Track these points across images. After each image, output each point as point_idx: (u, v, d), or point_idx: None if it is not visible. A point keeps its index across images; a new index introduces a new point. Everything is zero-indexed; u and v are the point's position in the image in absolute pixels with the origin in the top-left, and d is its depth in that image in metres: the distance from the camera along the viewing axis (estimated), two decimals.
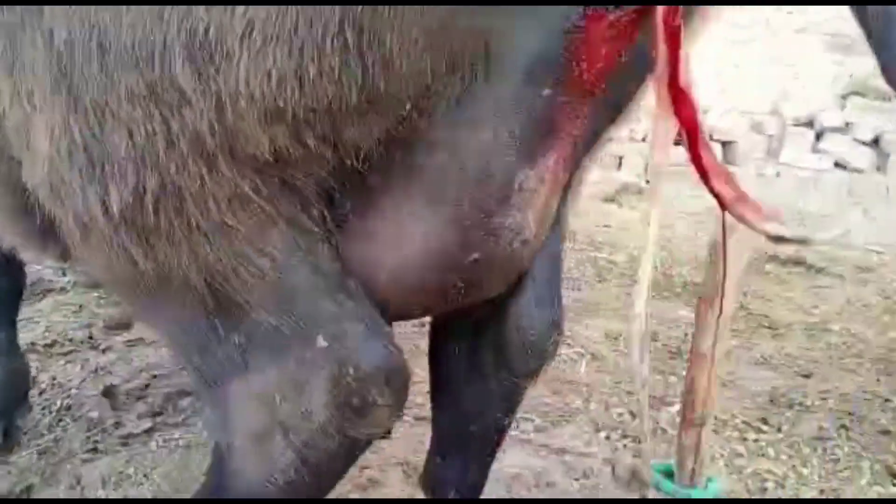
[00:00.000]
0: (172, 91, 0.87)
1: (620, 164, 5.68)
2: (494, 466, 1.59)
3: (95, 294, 3.20)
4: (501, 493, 2.05)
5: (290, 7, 0.84)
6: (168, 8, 0.84)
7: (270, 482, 1.11)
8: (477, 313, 1.37)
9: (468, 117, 1.00)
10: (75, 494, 1.98)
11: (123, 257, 1.01)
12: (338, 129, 0.94)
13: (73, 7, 0.87)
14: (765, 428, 2.46)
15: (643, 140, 5.67)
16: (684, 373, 1.74)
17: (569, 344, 2.95)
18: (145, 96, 0.87)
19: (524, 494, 2.06)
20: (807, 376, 2.83)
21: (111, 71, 0.87)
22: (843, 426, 2.50)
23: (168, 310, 1.10)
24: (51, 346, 2.78)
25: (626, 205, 5.25)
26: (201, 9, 0.83)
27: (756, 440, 2.39)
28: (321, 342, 1.07)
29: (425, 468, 1.66)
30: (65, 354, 2.74)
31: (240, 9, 0.83)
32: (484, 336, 1.43)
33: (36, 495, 1.98)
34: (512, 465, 2.15)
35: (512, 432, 2.29)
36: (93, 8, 0.86)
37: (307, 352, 1.07)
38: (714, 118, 5.90)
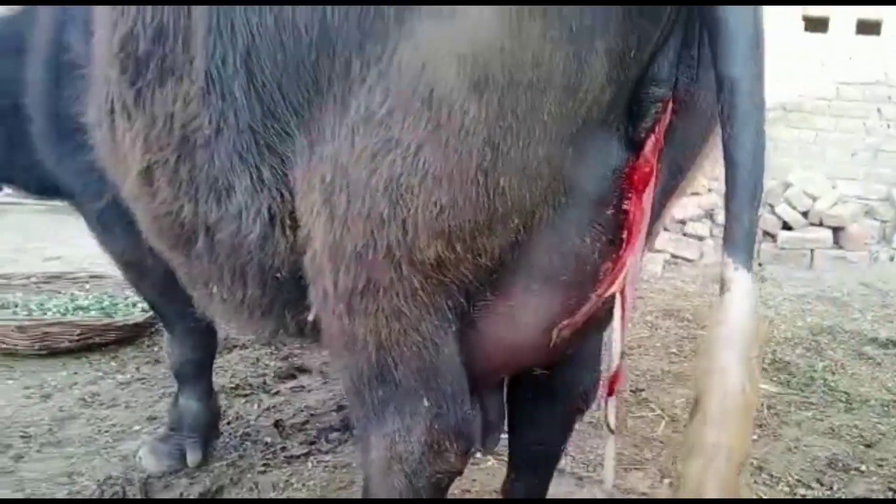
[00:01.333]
0: (376, 217, 1.42)
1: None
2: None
3: (268, 350, 4.02)
4: None
5: (445, 160, 1.34)
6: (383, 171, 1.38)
7: (388, 485, 1.68)
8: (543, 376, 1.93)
9: (560, 228, 1.50)
10: (254, 495, 2.70)
11: (337, 326, 1.60)
12: (475, 240, 1.45)
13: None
14: (815, 485, 2.82)
15: None
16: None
17: (651, 407, 3.42)
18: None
19: None
20: (869, 446, 3.13)
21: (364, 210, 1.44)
22: (892, 489, 2.81)
23: (349, 362, 1.67)
24: (235, 388, 3.59)
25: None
26: (399, 160, 1.35)
27: (804, 495, 2.76)
28: (425, 402, 1.62)
29: (504, 484, 2.25)
30: (245, 396, 3.53)
31: (421, 160, 1.35)
32: (547, 387, 1.99)
33: (226, 495, 2.71)
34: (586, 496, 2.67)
35: (590, 473, 2.82)
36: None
37: (418, 407, 1.62)
38: (826, 204, 6.12)
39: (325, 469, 2.87)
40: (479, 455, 2.84)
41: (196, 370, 2.98)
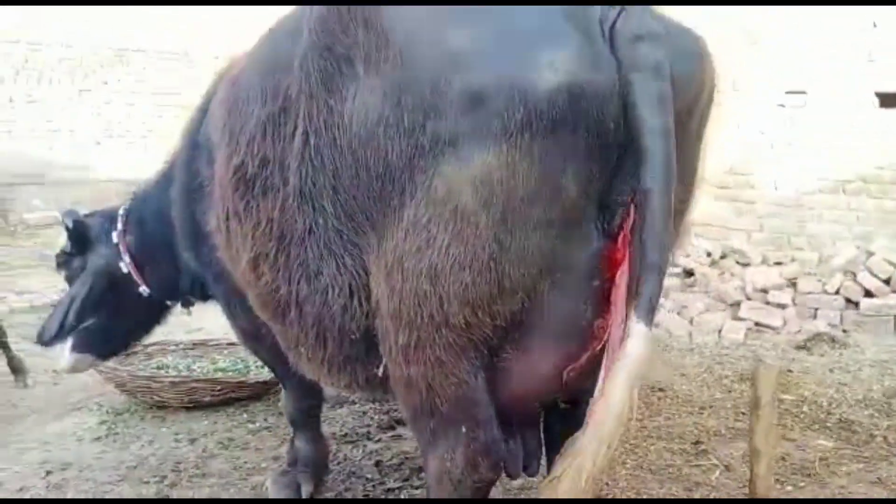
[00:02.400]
0: (421, 293, 2.04)
1: (816, 314, 6.23)
2: None
3: (373, 406, 4.65)
4: None
5: (465, 253, 1.94)
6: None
7: (445, 490, 2.25)
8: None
9: (561, 296, 2.06)
10: None
11: (399, 372, 2.22)
12: (491, 308, 2.03)
13: None
14: None
15: (836, 293, 6.20)
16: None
17: (709, 458, 3.79)
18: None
19: None
20: None
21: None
22: None
23: (408, 400, 2.27)
24: (344, 436, 4.23)
25: (815, 352, 5.77)
26: (436, 254, 1.97)
27: None
28: (463, 429, 2.20)
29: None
30: (352, 442, 4.16)
31: (450, 253, 1.96)
32: (575, 418, 2.45)
33: None
34: None
35: None
36: None
37: (458, 433, 2.20)
38: None
39: (415, 498, 3.43)
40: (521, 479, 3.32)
41: (305, 419, 3.66)
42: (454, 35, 1.96)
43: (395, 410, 4.57)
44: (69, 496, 3.59)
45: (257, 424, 4.43)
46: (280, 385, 3.87)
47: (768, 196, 7.07)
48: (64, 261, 3.99)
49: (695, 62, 2.08)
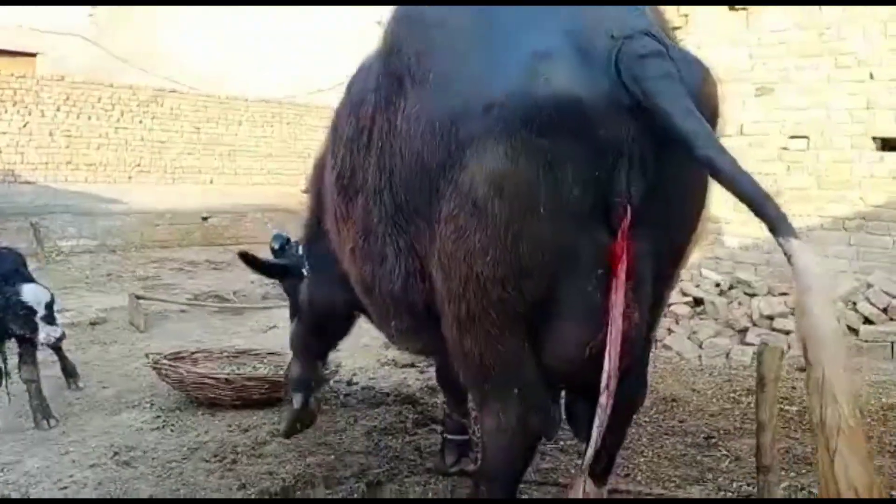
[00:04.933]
0: (462, 275, 2.46)
1: None
2: None
3: (407, 406, 5.04)
4: None
5: (488, 238, 2.33)
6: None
7: (498, 445, 2.64)
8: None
9: (575, 280, 2.42)
10: (402, 491, 3.64)
11: (456, 343, 2.62)
12: (518, 285, 2.39)
13: None
14: None
15: (837, 321, 6.58)
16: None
17: (719, 449, 4.16)
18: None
19: None
20: None
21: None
22: None
23: (466, 367, 2.66)
24: (384, 429, 4.60)
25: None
26: (466, 239, 2.37)
27: None
28: (515, 391, 2.58)
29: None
30: (391, 435, 4.52)
31: (476, 238, 2.35)
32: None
33: (383, 489, 3.67)
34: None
35: (656, 489, 3.60)
36: None
37: (510, 395, 2.58)
38: None
39: (453, 478, 3.79)
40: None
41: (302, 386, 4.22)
42: (474, 58, 2.41)
43: (429, 409, 4.97)
44: (139, 472, 3.97)
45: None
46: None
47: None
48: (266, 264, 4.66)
49: (699, 73, 2.37)
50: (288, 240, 4.73)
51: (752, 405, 5.24)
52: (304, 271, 4.25)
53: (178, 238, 12.76)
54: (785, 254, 1.90)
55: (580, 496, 3.02)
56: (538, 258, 2.36)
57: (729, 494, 3.56)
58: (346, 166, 2.96)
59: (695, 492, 3.58)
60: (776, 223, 1.98)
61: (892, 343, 6.32)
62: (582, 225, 2.33)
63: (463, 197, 2.37)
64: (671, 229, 2.50)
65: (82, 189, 12.65)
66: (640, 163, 2.26)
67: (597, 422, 2.48)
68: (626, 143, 2.23)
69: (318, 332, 4.09)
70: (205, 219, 13.09)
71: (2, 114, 11.96)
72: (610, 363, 2.39)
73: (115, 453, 4.25)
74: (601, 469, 2.99)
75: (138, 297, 8.48)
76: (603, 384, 2.41)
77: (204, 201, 12.96)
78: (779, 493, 3.23)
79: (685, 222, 2.57)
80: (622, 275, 2.33)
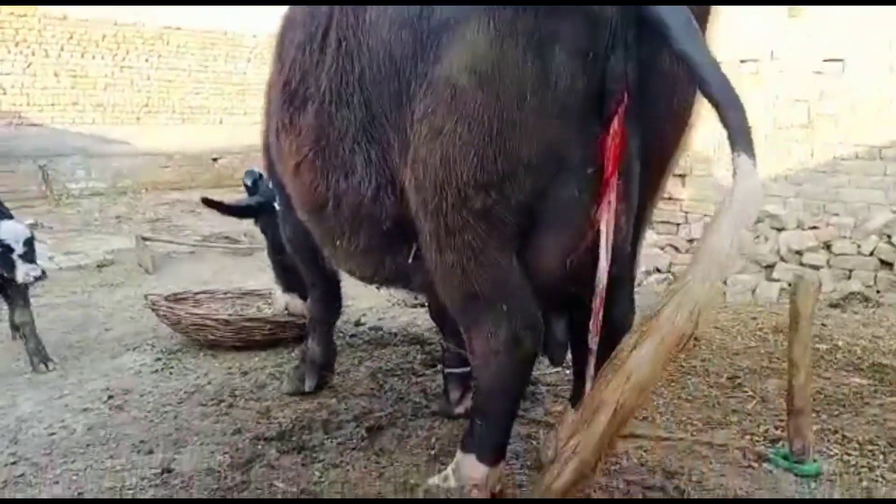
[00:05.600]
0: (439, 182, 2.22)
1: (850, 275, 6.28)
2: None
3: (414, 346, 4.82)
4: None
5: (470, 134, 2.10)
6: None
7: (491, 371, 2.43)
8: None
9: (561, 183, 2.21)
10: (405, 435, 3.43)
11: (436, 261, 2.39)
12: (503, 189, 2.17)
13: None
14: (881, 443, 3.20)
15: (871, 254, 6.24)
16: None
17: (744, 390, 3.90)
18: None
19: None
20: None
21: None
22: None
23: (448, 286, 2.44)
24: (390, 370, 4.39)
25: (849, 310, 5.84)
26: (444, 140, 2.15)
27: (871, 451, 3.15)
28: (504, 308, 2.37)
29: (572, 396, 2.87)
30: (398, 376, 4.31)
31: (456, 137, 2.12)
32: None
33: (384, 434, 3.45)
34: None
35: (678, 432, 3.36)
36: None
37: (499, 312, 2.36)
38: None
39: (460, 422, 3.57)
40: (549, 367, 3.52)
41: (321, 326, 4.07)
42: None
43: (437, 350, 4.74)
44: (132, 416, 3.79)
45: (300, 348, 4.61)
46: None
47: (804, 163, 7.11)
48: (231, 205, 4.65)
49: None
50: (261, 175, 4.56)
51: (780, 344, 4.99)
52: (278, 206, 4.05)
53: (188, 179, 12.54)
54: (733, 168, 1.85)
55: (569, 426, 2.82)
56: (527, 156, 2.14)
57: (755, 438, 3.31)
58: (296, 71, 2.68)
59: (719, 436, 3.33)
60: (736, 135, 1.87)
61: None
62: (574, 115, 2.12)
63: (439, 90, 2.14)
64: (660, 129, 2.30)
65: (90, 131, 12.41)
66: (634, 46, 2.08)
67: (592, 329, 2.33)
68: (618, 22, 2.04)
69: (310, 267, 3.81)
70: (215, 160, 12.85)
71: (4, 54, 11.66)
72: (605, 260, 2.23)
73: (110, 397, 4.09)
74: None
75: (145, 239, 8.29)
76: (597, 287, 2.25)
77: (213, 142, 12.69)
78: (810, 437, 2.97)
79: (674, 124, 2.33)
80: (615, 169, 2.15)
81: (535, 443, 3.23)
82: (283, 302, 4.72)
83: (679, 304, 1.85)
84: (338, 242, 2.79)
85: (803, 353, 2.88)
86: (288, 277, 4.59)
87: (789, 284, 6.31)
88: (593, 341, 2.36)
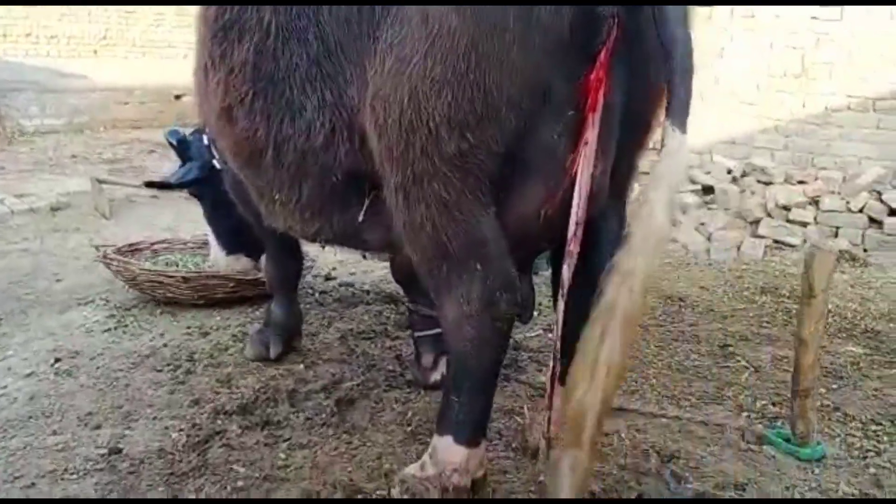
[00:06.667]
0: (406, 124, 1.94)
1: (837, 233, 6.10)
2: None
3: (390, 305, 4.54)
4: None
5: (444, 66, 1.83)
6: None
7: (465, 337, 2.16)
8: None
9: (538, 126, 1.96)
10: (379, 407, 3.17)
11: (400, 215, 2.09)
12: (482, 131, 1.90)
13: None
14: (885, 423, 3.02)
15: (860, 211, 6.05)
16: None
17: (737, 359, 3.69)
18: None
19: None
20: None
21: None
22: None
23: (415, 244, 2.15)
24: (361, 333, 4.11)
25: (836, 269, 5.65)
26: (413, 73, 1.87)
27: (875, 431, 2.97)
28: (478, 267, 2.10)
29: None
30: (370, 339, 4.04)
31: (427, 69, 1.84)
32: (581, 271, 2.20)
33: (355, 407, 3.19)
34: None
35: (670, 408, 3.14)
36: None
37: (473, 273, 2.10)
38: None
39: (437, 393, 3.31)
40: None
41: (282, 284, 3.76)
42: None
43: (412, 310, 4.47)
44: (80, 382, 3.48)
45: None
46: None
47: (795, 113, 6.83)
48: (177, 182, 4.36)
49: None
50: (185, 136, 4.33)
51: (768, 306, 4.80)
52: (217, 163, 3.72)
53: (149, 118, 11.93)
54: (661, 140, 1.81)
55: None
56: (508, 92, 1.88)
57: (753, 416, 3.10)
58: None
59: (716, 412, 3.12)
60: (676, 107, 1.81)
61: None
62: (560, 47, 1.87)
63: (409, 17, 1.86)
64: (648, 75, 2.06)
65: (45, 64, 11.67)
66: None
67: (565, 274, 2.08)
68: None
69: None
70: (178, 97, 12.22)
71: None
72: (578, 208, 2.02)
73: (57, 359, 3.76)
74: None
75: (101, 182, 7.82)
76: (571, 229, 2.03)
77: (176, 78, 12.03)
78: (814, 420, 2.77)
79: (656, 69, 2.04)
80: (595, 107, 1.92)
81: (519, 420, 2.98)
82: (224, 264, 4.49)
83: (621, 285, 1.78)
84: (276, 196, 2.48)
85: (814, 330, 2.64)
86: (231, 239, 4.37)
87: (775, 242, 6.16)
88: (564, 294, 2.12)
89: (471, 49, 1.81)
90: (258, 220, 3.22)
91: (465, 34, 1.81)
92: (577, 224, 2.01)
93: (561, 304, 2.10)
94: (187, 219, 7.44)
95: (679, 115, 1.80)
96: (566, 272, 2.05)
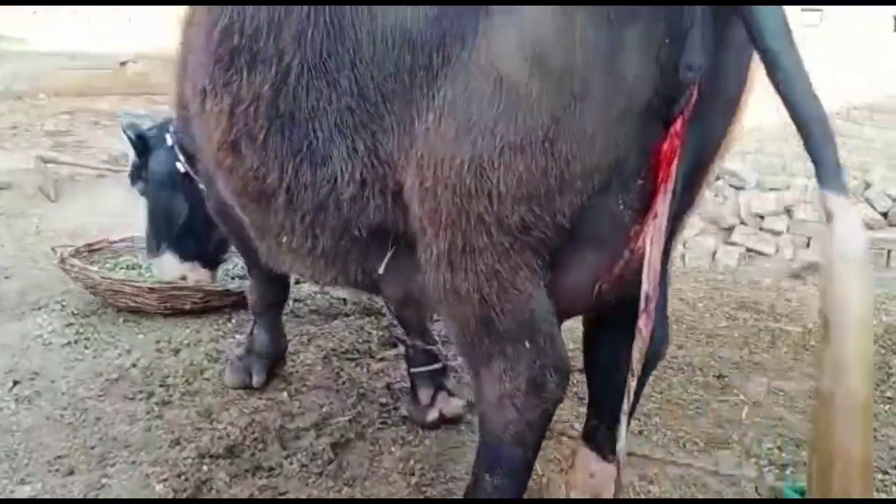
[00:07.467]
0: (463, 189, 1.75)
1: (809, 243, 6.13)
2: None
3: (368, 319, 4.34)
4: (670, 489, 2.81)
5: (517, 134, 1.64)
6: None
7: (505, 418, 1.99)
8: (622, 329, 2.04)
9: (605, 194, 1.79)
10: (377, 449, 3.00)
11: (443, 282, 1.90)
12: (551, 203, 1.73)
13: None
14: (891, 472, 3.00)
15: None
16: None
17: (734, 393, 3.63)
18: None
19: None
20: None
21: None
22: None
23: (457, 314, 1.98)
24: (344, 353, 3.91)
25: (809, 282, 5.69)
26: (479, 138, 1.67)
27: (881, 480, 2.95)
28: (527, 345, 1.93)
29: (585, 428, 2.49)
30: (354, 360, 3.84)
31: (497, 136, 1.66)
32: (626, 339, 2.01)
33: (352, 448, 3.02)
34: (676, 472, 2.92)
35: (678, 452, 3.05)
36: None
37: (520, 350, 1.93)
38: None
39: (438, 436, 3.15)
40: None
41: (267, 310, 3.54)
42: None
43: (395, 326, 4.28)
44: (45, 413, 3.20)
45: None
46: None
47: (770, 118, 6.81)
48: (134, 174, 4.09)
49: None
50: (143, 131, 4.00)
51: (749, 324, 4.77)
52: (182, 167, 3.54)
53: (93, 85, 11.27)
54: (825, 210, 1.52)
55: (584, 472, 2.49)
56: (583, 162, 1.71)
57: (761, 461, 3.04)
58: (243, 20, 2.03)
59: (724, 456, 3.05)
60: (826, 171, 1.51)
61: (889, 252, 5.86)
62: (640, 118, 1.71)
63: (477, 75, 1.66)
64: (712, 133, 1.90)
65: None
66: (712, 32, 1.66)
67: (636, 354, 1.91)
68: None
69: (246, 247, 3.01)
70: (123, 63, 11.58)
71: None
72: (648, 284, 1.85)
73: (16, 382, 3.47)
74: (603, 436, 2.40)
75: (46, 162, 7.34)
76: (641, 305, 1.85)
77: (122, 44, 11.38)
78: None
79: (723, 127, 1.94)
80: (673, 178, 1.76)
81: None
82: (177, 273, 4.19)
83: (838, 371, 1.49)
84: (284, 240, 2.26)
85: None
86: (188, 244, 4.07)
87: (748, 250, 6.16)
88: (636, 371, 1.94)
89: (549, 118, 1.64)
90: (244, 241, 2.95)
91: (544, 102, 1.63)
92: (647, 299, 1.85)
93: (632, 384, 1.93)
94: (136, 202, 7.07)
95: (829, 172, 1.53)
96: (636, 352, 1.89)
